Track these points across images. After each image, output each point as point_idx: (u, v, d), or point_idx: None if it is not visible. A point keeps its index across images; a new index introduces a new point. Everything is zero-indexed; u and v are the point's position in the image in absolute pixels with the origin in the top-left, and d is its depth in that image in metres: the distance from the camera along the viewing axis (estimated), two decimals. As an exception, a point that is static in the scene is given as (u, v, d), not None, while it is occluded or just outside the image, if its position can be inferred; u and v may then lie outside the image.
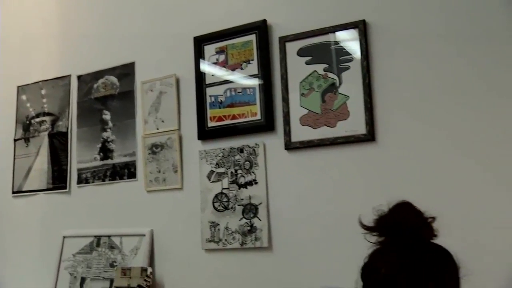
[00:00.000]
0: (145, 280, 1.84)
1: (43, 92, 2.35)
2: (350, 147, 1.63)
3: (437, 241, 0.96)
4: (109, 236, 2.03)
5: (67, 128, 2.24)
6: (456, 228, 1.42)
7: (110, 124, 2.13)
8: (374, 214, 0.97)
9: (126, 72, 2.12)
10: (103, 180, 2.11)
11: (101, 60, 2.18)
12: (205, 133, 1.89)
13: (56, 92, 2.30)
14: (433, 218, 0.97)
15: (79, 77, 2.24)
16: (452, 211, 1.44)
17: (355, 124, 1.63)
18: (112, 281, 1.93)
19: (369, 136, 1.60)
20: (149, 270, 1.85)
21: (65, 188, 2.20)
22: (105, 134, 2.13)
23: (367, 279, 0.94)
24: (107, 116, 2.14)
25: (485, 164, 1.44)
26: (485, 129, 1.45)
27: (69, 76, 2.27)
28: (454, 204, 1.46)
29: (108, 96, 2.15)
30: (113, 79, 2.14)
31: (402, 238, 0.94)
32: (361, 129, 1.61)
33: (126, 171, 2.06)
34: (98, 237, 2.05)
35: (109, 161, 2.11)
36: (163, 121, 2.00)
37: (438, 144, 1.51)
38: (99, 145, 2.14)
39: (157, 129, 2.00)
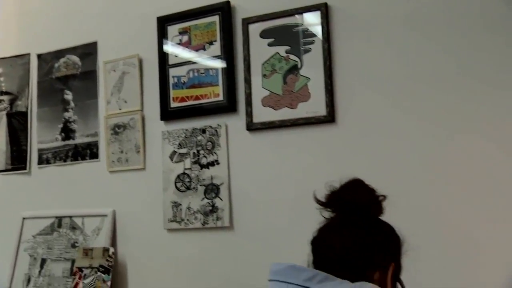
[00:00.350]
0: (107, 260, 1.84)
1: (0, 70, 2.28)
2: (311, 128, 1.66)
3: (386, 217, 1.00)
4: (70, 217, 2.01)
5: (27, 108, 2.19)
6: (412, 207, 1.49)
7: (72, 104, 2.10)
8: (326, 189, 1.01)
9: (88, 51, 2.08)
10: (65, 161, 2.08)
11: (62, 39, 2.13)
12: (167, 114, 1.89)
13: (14, 71, 2.24)
14: (384, 197, 1.01)
15: (39, 56, 2.19)
16: (409, 191, 1.50)
17: (315, 106, 1.66)
18: (73, 261, 1.93)
19: (329, 118, 1.63)
20: (111, 250, 1.86)
21: (25, 168, 2.16)
22: (66, 114, 2.10)
23: (318, 254, 0.96)
24: (68, 96, 2.11)
25: (443, 145, 1.49)
26: (446, 111, 1.50)
27: (28, 54, 2.21)
28: (411, 185, 1.51)
29: (69, 76, 2.11)
30: (75, 58, 2.11)
31: (353, 214, 0.97)
32: (322, 111, 1.64)
33: (88, 152, 2.04)
34: (59, 218, 2.04)
35: (70, 142, 2.08)
36: (125, 102, 1.98)
37: (396, 126, 1.55)
38: (61, 125, 2.10)
39: (120, 109, 1.99)
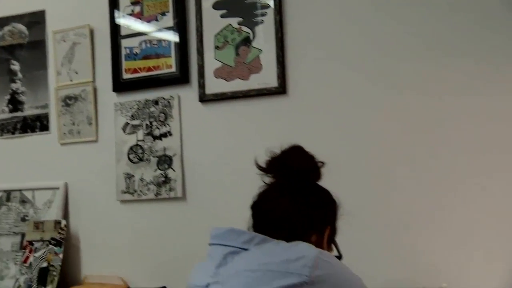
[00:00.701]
0: (59, 233, 1.82)
1: None
2: (262, 100, 1.68)
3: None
4: (20, 190, 1.97)
5: (-31, 79, 2.11)
6: (356, 175, 1.54)
7: (20, 75, 2.03)
8: (267, 155, 1.03)
9: (35, 20, 2.01)
10: (13, 133, 2.03)
11: (6, 5, 2.05)
12: (120, 85, 1.86)
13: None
14: (322, 163, 1.04)
15: (-20, 23, 2.10)
16: (355, 159, 1.55)
17: (267, 77, 1.67)
18: (23, 235, 1.90)
19: (281, 89, 1.65)
20: (63, 222, 1.84)
21: (-31, 141, 2.09)
22: (14, 86, 2.04)
23: (257, 218, 0.99)
24: (15, 66, 2.04)
25: (390, 115, 1.54)
26: (395, 82, 1.54)
27: (-32, 21, 2.12)
28: (358, 153, 1.56)
29: (16, 45, 2.04)
30: (21, 27, 2.03)
31: (292, 179, 1.00)
32: (273, 82, 1.66)
33: (38, 124, 1.99)
34: (8, 192, 1.99)
35: (19, 114, 2.02)
36: (76, 73, 1.94)
37: (346, 97, 1.59)
38: (8, 97, 2.04)
39: (71, 80, 1.94)
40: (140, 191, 1.80)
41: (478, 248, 1.42)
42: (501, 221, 1.41)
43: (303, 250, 0.82)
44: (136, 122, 1.83)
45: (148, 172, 1.79)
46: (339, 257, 0.98)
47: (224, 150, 1.71)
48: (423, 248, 1.47)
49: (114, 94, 1.87)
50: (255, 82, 1.68)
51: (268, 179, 1.02)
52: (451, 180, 1.47)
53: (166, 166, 1.78)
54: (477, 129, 1.45)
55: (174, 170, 1.77)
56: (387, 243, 1.51)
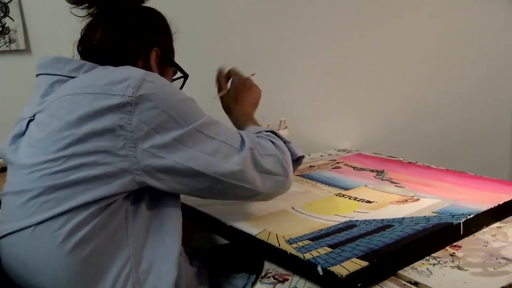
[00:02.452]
0: None
1: None
2: None
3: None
4: None
5: None
6: None
7: None
8: None
9: None
10: None
11: None
12: None
13: None
14: None
15: None
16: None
17: None
18: None
19: None
20: None
21: None
22: None
23: (84, 50, 0.94)
24: None
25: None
26: None
27: None
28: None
29: None
30: None
31: (112, 5, 0.93)
32: None
33: None
34: None
35: None
36: None
37: None
38: None
39: None
40: (-26, 44, 1.57)
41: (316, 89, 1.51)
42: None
43: (128, 72, 0.80)
44: (-44, -40, 1.52)
45: (-20, 21, 1.55)
46: (185, 77, 0.98)
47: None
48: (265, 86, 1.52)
49: None
50: None
51: (84, 11, 0.96)
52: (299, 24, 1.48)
53: (2, 15, 1.54)
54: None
55: (12, 20, 1.54)
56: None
